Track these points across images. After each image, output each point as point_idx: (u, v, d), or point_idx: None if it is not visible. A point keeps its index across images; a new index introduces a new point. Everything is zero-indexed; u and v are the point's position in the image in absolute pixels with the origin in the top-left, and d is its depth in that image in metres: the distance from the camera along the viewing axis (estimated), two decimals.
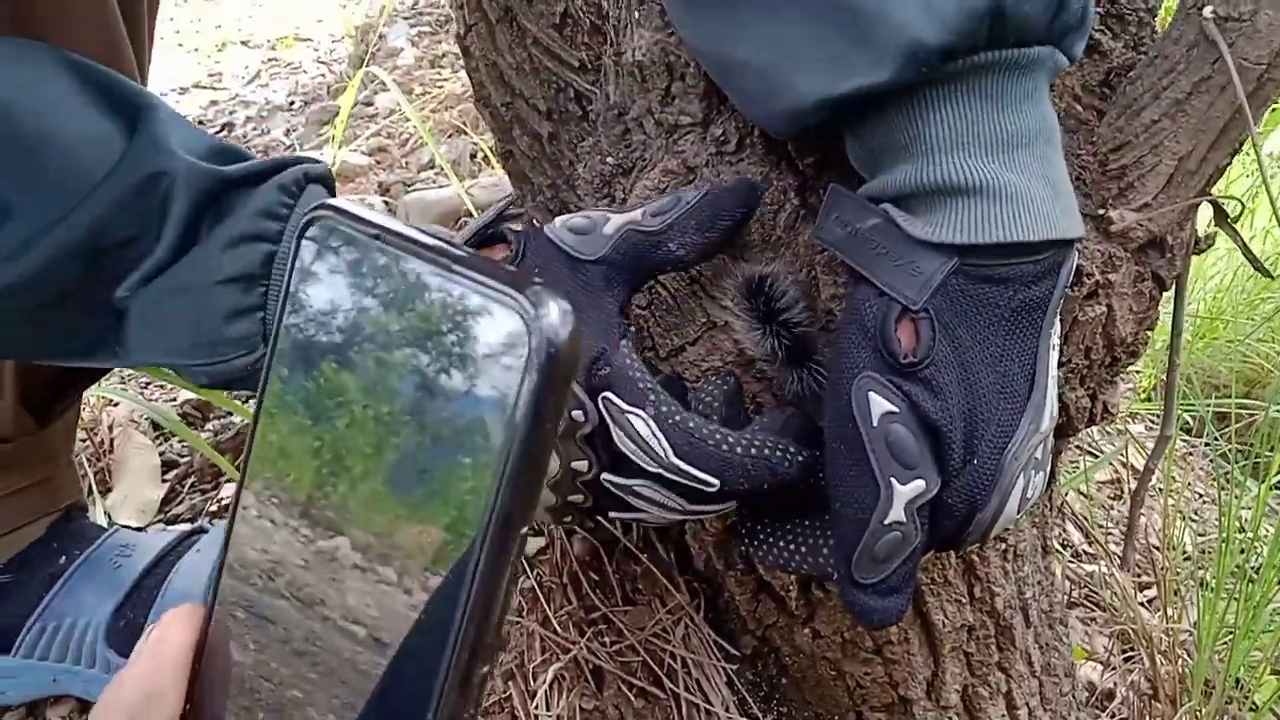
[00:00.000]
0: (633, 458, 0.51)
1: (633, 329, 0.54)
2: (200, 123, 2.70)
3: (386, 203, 1.67)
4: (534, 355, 0.24)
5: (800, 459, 0.54)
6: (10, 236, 0.49)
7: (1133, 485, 1.50)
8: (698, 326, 0.65)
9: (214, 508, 1.07)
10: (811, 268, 0.62)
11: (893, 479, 0.49)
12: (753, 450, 0.52)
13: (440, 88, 2.13)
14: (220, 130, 2.62)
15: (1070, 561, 1.41)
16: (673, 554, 0.77)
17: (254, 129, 2.55)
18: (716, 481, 0.51)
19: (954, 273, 0.50)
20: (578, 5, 0.89)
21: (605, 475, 0.51)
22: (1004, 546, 0.71)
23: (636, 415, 0.51)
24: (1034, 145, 0.51)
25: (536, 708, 0.67)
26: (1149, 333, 0.68)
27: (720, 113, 0.63)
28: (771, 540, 0.57)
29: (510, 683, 0.68)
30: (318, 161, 0.56)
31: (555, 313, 0.24)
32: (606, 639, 0.71)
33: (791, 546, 0.57)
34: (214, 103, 2.89)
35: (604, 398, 0.51)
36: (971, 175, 0.49)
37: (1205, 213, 0.69)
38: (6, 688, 0.86)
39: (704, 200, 0.57)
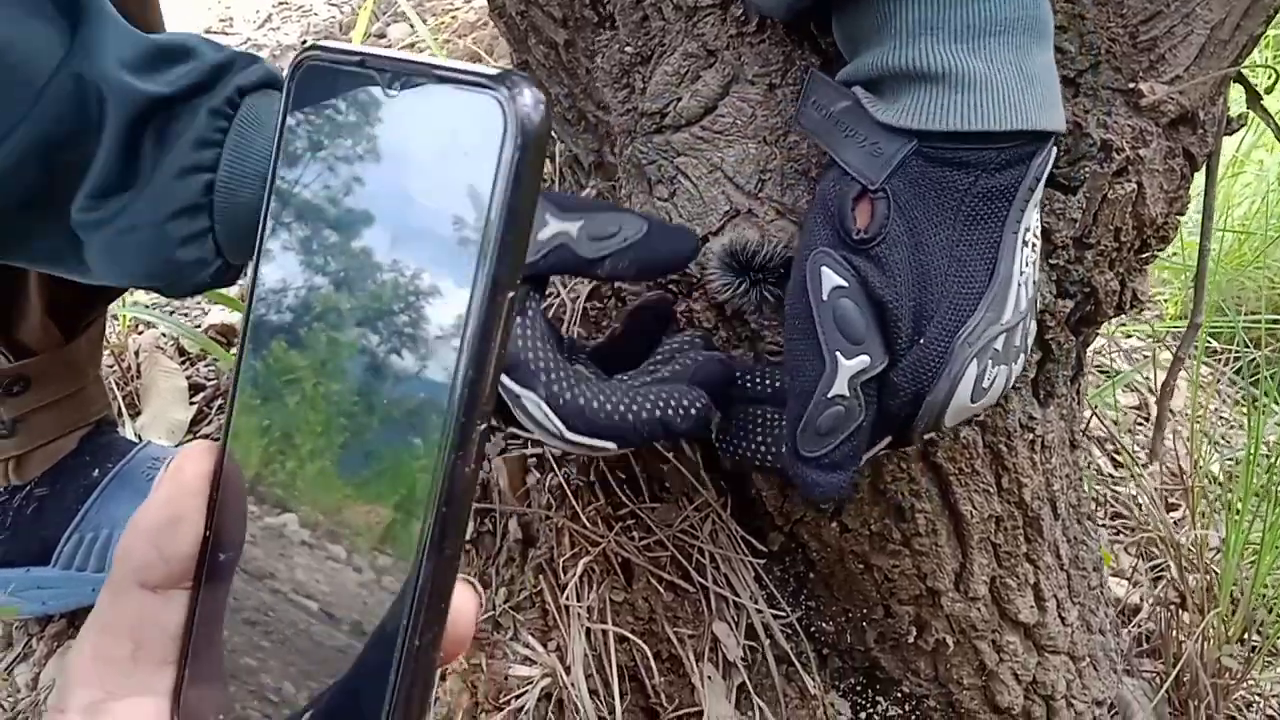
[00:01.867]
0: (533, 432, 0.53)
1: (534, 299, 0.56)
2: None
3: None
4: (510, 131, 0.26)
5: (694, 412, 0.56)
6: None
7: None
8: (720, 215, 0.64)
9: None
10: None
11: (838, 352, 0.51)
12: (644, 413, 0.54)
13: (453, 16, 2.11)
14: None
15: (1098, 484, 1.41)
16: (699, 453, 0.77)
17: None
18: (612, 445, 0.54)
19: (913, 154, 0.50)
20: None
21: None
22: (1031, 437, 0.71)
23: (528, 397, 0.52)
24: (1009, 34, 0.50)
25: (567, 599, 0.67)
26: (1179, 217, 0.67)
27: None
28: (737, 435, 0.59)
29: (540, 576, 0.69)
30: (255, 60, 0.56)
31: (528, 96, 0.26)
32: (635, 534, 0.72)
33: (756, 439, 0.59)
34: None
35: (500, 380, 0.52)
36: (935, 61, 0.49)
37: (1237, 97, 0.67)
38: (47, 598, 0.88)
39: (643, 240, 0.57)
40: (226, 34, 3.03)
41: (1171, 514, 1.40)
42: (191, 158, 0.51)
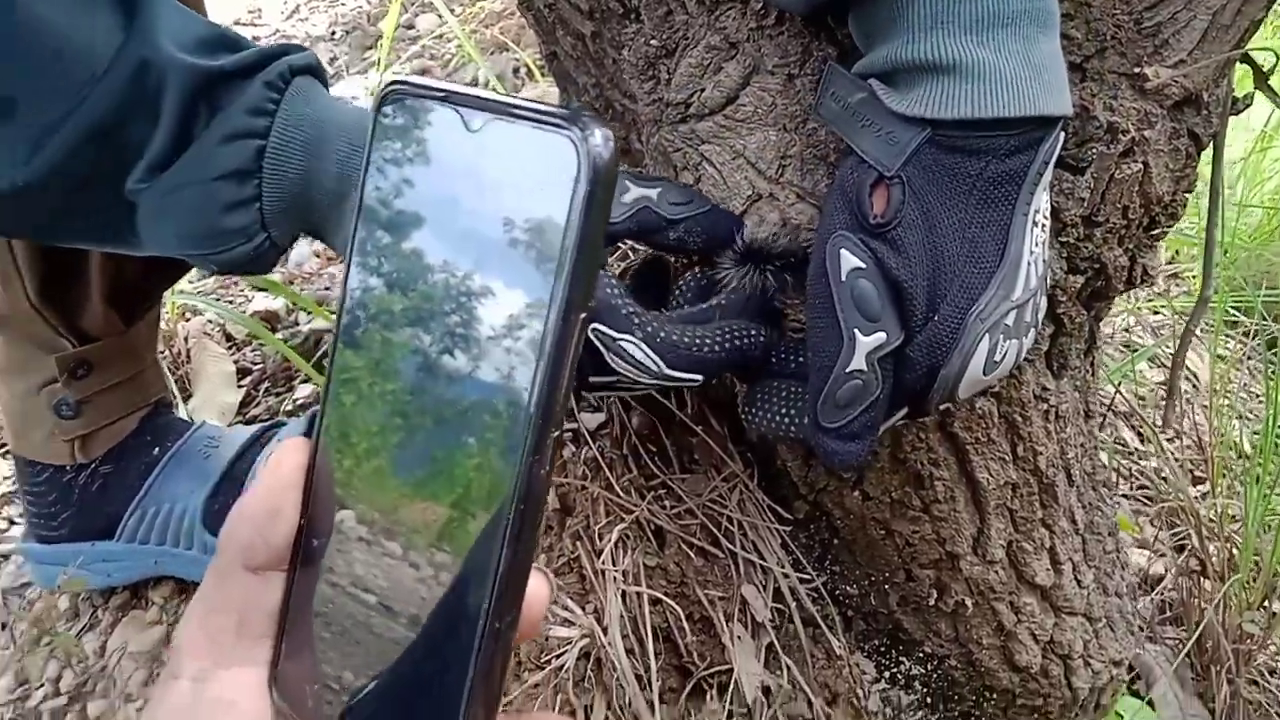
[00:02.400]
0: (626, 374, 0.58)
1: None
2: None
3: None
4: (583, 167, 0.29)
5: (762, 338, 0.62)
6: (18, 136, 0.51)
7: (1186, 386, 1.51)
8: (743, 199, 0.67)
9: (289, 406, 1.13)
10: None
11: (856, 330, 0.54)
12: (725, 344, 0.60)
13: (480, 7, 2.14)
14: None
15: (1124, 458, 1.44)
16: (727, 426, 0.81)
17: None
18: (699, 377, 0.59)
19: (927, 142, 0.54)
20: None
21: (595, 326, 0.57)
22: (1045, 407, 0.74)
23: (627, 339, 0.57)
24: (1017, 25, 0.53)
25: (603, 564, 0.71)
26: (1187, 194, 0.70)
27: None
28: (762, 407, 0.63)
29: (578, 542, 0.73)
30: (303, 49, 0.59)
31: (599, 136, 0.29)
32: (666, 503, 0.75)
33: (780, 411, 0.62)
34: (255, 39, 2.91)
35: (594, 329, 0.57)
36: (947, 53, 0.52)
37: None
38: (112, 570, 0.93)
39: (714, 210, 0.65)
40: (255, 25, 3.07)
41: (1196, 487, 1.43)
42: (244, 123, 0.54)
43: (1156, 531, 1.34)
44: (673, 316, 0.61)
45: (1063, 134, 0.56)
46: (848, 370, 0.54)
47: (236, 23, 3.13)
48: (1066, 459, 0.77)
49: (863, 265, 0.54)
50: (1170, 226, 0.71)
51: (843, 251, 0.55)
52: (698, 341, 0.59)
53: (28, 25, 0.50)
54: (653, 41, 0.72)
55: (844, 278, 0.55)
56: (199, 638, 0.35)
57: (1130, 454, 1.46)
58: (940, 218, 0.54)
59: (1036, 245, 0.56)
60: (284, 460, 0.35)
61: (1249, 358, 1.71)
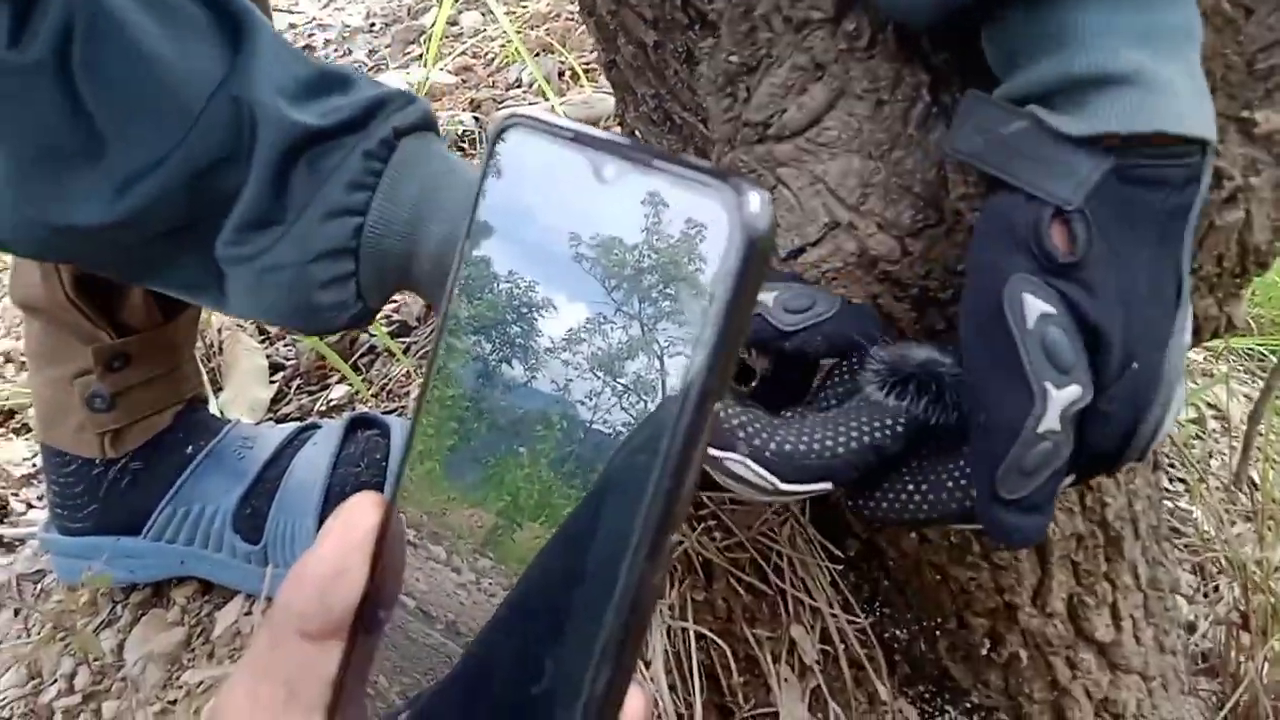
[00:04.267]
0: (742, 493, 0.51)
1: None
2: None
3: (476, 119, 1.68)
4: (734, 236, 0.24)
5: (901, 429, 0.53)
6: (107, 175, 0.49)
7: (1215, 425, 1.48)
8: (819, 227, 0.65)
9: (322, 407, 1.11)
10: (941, 167, 0.61)
11: (1048, 383, 0.47)
12: (853, 443, 0.52)
13: (525, 6, 2.12)
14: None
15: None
16: None
17: (335, 50, 2.56)
18: (829, 485, 0.52)
19: (1110, 171, 0.48)
20: None
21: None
22: None
23: (731, 459, 0.50)
24: (1179, 42, 0.49)
25: None
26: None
27: (852, 7, 0.62)
28: (882, 497, 0.55)
29: None
30: (413, 99, 0.55)
31: (756, 201, 0.24)
32: (716, 534, 0.73)
33: (905, 496, 0.54)
34: (292, 25, 2.89)
35: None
36: (1126, 63, 0.47)
37: None
38: (135, 568, 0.91)
39: (835, 316, 0.56)
40: (292, 12, 3.06)
41: (1233, 528, 1.39)
42: (343, 200, 0.51)
43: (1191, 576, 1.31)
44: (796, 418, 0.54)
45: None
46: (1039, 431, 0.47)
47: (274, 9, 3.13)
48: (1134, 511, 0.75)
49: (1053, 311, 0.48)
50: (1259, 275, 0.68)
51: (1026, 296, 0.48)
52: (817, 446, 0.51)
53: (138, 58, 0.47)
54: (733, 58, 0.69)
55: (1031, 325, 0.48)
56: (243, 706, 0.32)
57: (1165, 494, 1.43)
58: (1127, 256, 0.49)
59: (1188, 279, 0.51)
60: (355, 519, 0.32)
61: None
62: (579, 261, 0.27)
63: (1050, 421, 0.47)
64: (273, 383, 1.17)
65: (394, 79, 2.04)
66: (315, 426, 0.94)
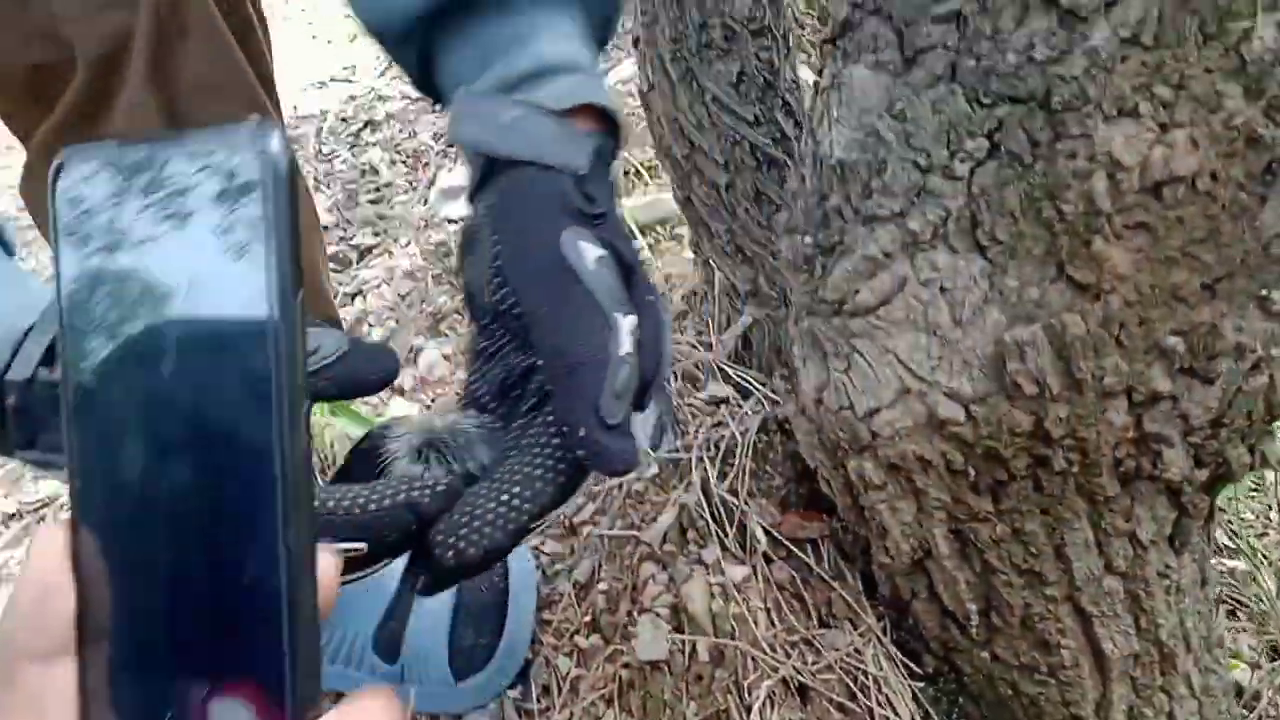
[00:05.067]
0: None
1: None
2: (343, 119, 2.83)
3: None
4: (266, 164, 0.32)
5: (441, 488, 0.52)
6: None
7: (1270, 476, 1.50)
8: (893, 392, 0.74)
9: None
10: (999, 344, 0.70)
11: (616, 314, 0.54)
12: (387, 501, 0.50)
13: None
14: (363, 128, 2.73)
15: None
16: (860, 581, 0.87)
17: (400, 130, 2.66)
18: (363, 545, 0.50)
19: (599, 142, 0.62)
20: (753, 65, 0.99)
21: None
22: (1167, 583, 0.79)
23: None
24: (595, 44, 0.69)
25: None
26: None
27: (915, 204, 0.72)
28: (467, 528, 0.52)
29: (728, 696, 0.79)
30: None
31: (275, 136, 0.32)
32: (808, 658, 0.82)
33: (493, 513, 0.52)
34: (352, 97, 2.99)
35: None
36: (575, 55, 0.65)
37: None
38: None
39: (344, 358, 0.60)
40: (351, 82, 3.17)
41: None
42: None
43: (1253, 642, 1.35)
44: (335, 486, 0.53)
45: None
46: (621, 354, 0.53)
47: (333, 79, 3.22)
48: (1185, 628, 0.82)
49: (604, 253, 0.57)
50: None
51: (582, 244, 0.56)
52: (348, 502, 0.50)
53: None
54: (808, 239, 0.79)
55: (592, 268, 0.55)
56: None
57: (1219, 550, 1.46)
58: (613, 203, 0.63)
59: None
60: (45, 544, 0.34)
61: None
62: (160, 222, 0.32)
63: (626, 345, 0.53)
64: None
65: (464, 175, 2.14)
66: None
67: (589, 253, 0.56)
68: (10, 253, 0.64)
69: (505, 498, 0.52)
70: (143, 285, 0.32)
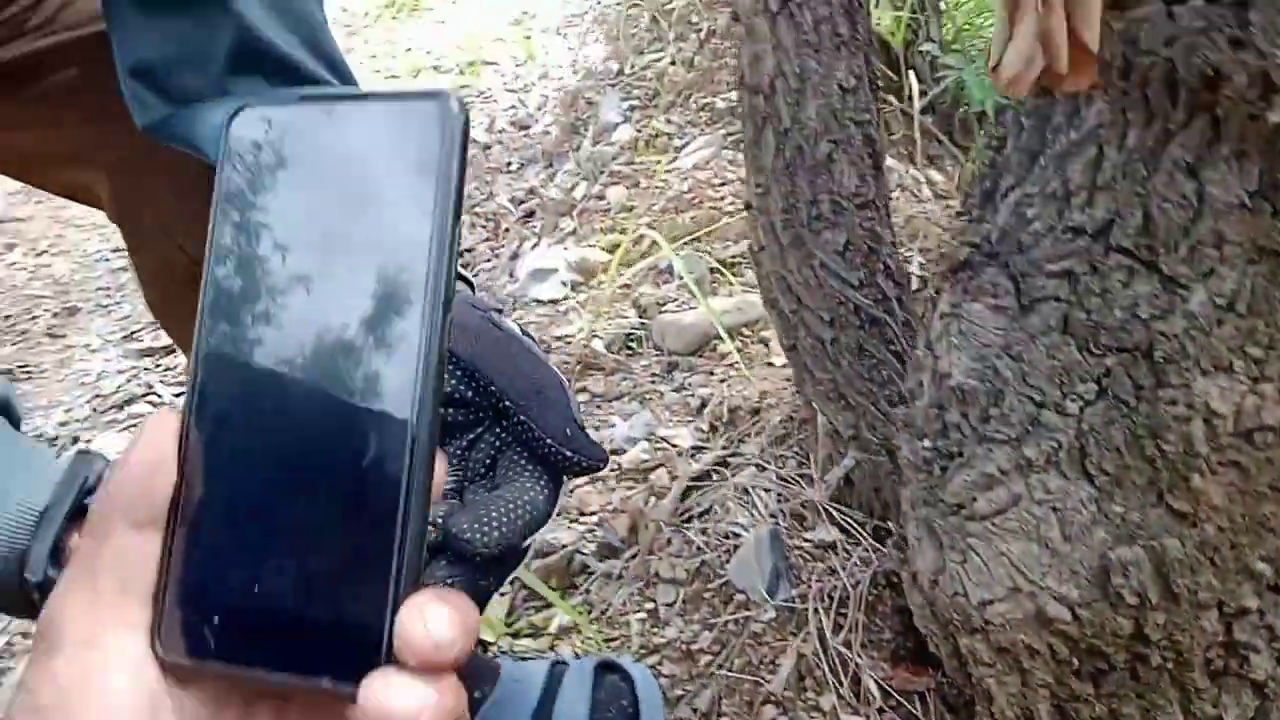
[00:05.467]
0: None
1: None
2: None
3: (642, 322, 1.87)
4: (448, 119, 0.33)
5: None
6: None
7: None
8: (1005, 589, 0.84)
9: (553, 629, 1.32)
10: (1104, 557, 0.80)
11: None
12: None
13: (665, 181, 2.29)
14: None
15: None
16: None
17: (477, 189, 2.64)
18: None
19: None
20: (858, 234, 1.09)
21: None
22: None
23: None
24: None
25: None
26: None
27: (1030, 433, 0.81)
28: (482, 516, 0.59)
29: None
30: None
31: (453, 97, 0.33)
32: None
33: (501, 511, 0.60)
34: None
35: None
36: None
37: None
38: None
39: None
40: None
41: None
42: None
43: None
44: None
45: None
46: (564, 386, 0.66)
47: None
48: None
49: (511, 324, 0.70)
50: None
51: (501, 319, 0.69)
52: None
53: None
54: (927, 443, 0.89)
55: (518, 331, 0.70)
56: (80, 603, 0.34)
57: None
58: None
59: None
60: (159, 423, 0.36)
61: None
62: (324, 186, 0.34)
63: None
64: (503, 594, 1.38)
65: (552, 257, 2.23)
66: (564, 663, 1.15)
67: (506, 324, 0.68)
68: (16, 425, 0.67)
69: (504, 504, 0.60)
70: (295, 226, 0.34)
